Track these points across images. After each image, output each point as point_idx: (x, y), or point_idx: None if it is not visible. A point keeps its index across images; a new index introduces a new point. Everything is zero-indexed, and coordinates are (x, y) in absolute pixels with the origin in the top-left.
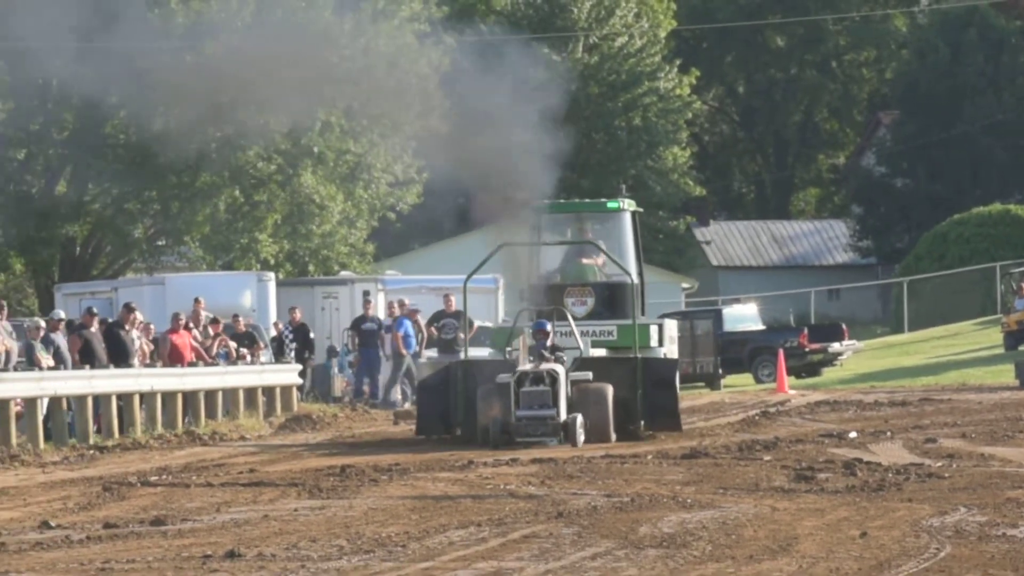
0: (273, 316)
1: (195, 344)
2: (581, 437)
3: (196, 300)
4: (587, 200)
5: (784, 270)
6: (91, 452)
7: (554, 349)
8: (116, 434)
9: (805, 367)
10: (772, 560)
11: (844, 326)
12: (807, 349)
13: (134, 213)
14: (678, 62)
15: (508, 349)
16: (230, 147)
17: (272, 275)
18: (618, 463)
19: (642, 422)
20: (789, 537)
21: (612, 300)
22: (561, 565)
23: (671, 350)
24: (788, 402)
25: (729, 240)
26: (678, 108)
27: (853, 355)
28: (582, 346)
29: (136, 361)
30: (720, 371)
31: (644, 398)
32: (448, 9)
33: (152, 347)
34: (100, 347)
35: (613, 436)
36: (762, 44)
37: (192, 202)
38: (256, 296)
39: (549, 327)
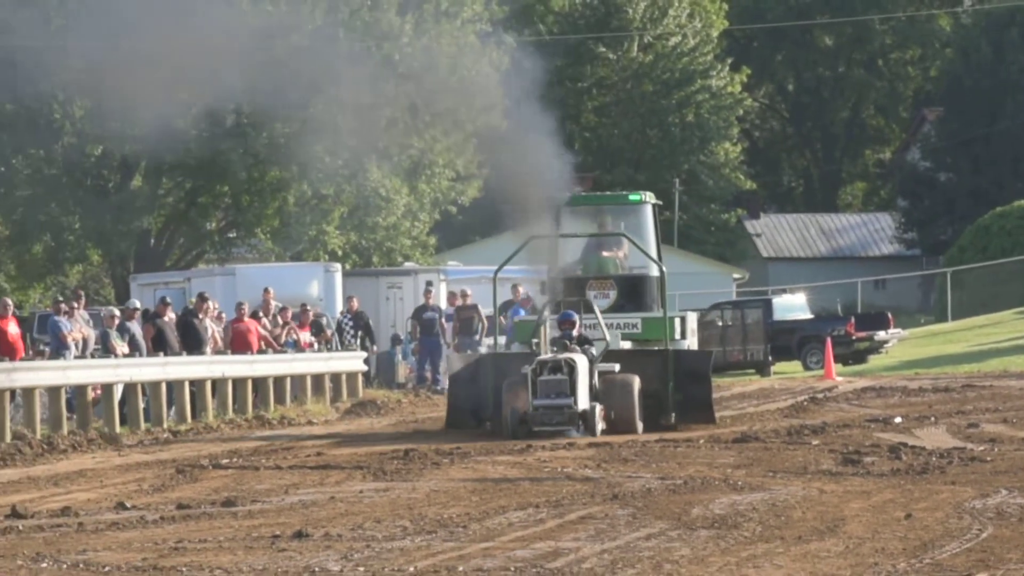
0: (339, 306)
1: (263, 332)
2: (600, 426)
3: (265, 290)
4: (608, 193)
5: (832, 261)
6: (165, 436)
7: (582, 340)
8: (189, 419)
9: (852, 355)
10: (820, 541)
11: (889, 315)
12: (854, 337)
13: (206, 206)
14: (730, 60)
15: (534, 340)
16: (299, 142)
17: (338, 266)
18: (671, 447)
19: (673, 415)
20: (836, 518)
21: (634, 293)
22: (616, 545)
23: (692, 342)
24: (835, 388)
25: (779, 232)
26: (730, 105)
27: (898, 343)
28: (609, 338)
29: (208, 349)
30: (770, 358)
31: (676, 390)
32: (508, 9)
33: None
34: (172, 335)
35: (639, 427)
36: (811, 43)
37: (262, 196)
38: (323, 286)
39: (576, 317)
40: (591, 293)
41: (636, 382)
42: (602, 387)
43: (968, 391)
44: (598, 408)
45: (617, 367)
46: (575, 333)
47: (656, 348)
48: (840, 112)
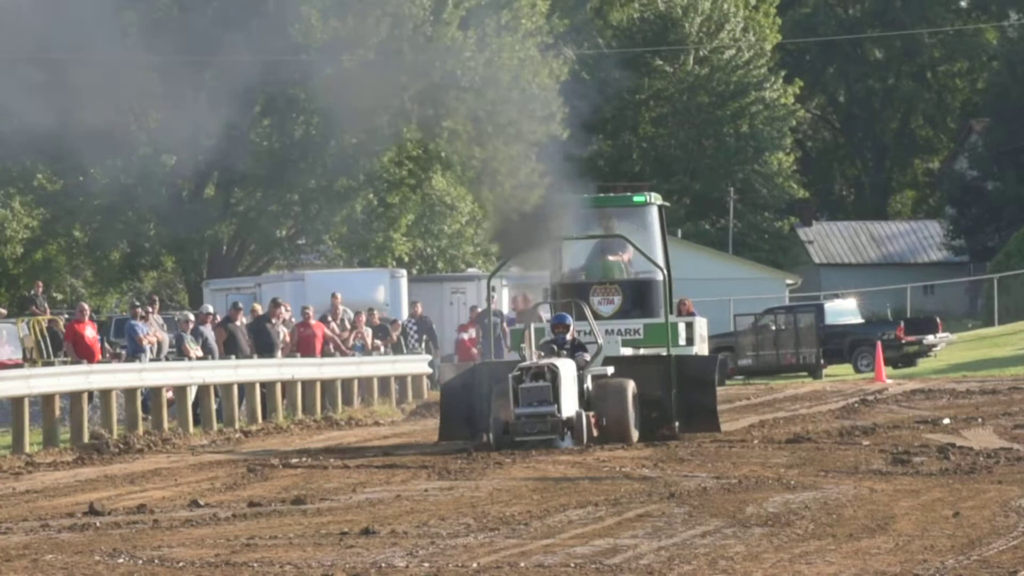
0: (405, 310)
1: (331, 335)
2: (587, 435)
3: (333, 295)
4: (612, 195)
5: (882, 267)
6: (236, 436)
7: (576, 346)
8: (259, 419)
9: (901, 358)
10: (870, 538)
11: (938, 319)
12: (903, 341)
13: (277, 214)
14: (783, 73)
15: (521, 346)
16: (366, 152)
17: (404, 272)
18: (726, 447)
19: (676, 423)
20: (886, 517)
21: (640, 298)
22: (673, 542)
23: (702, 349)
24: (885, 391)
25: (830, 239)
26: (783, 116)
27: (946, 347)
28: (601, 342)
29: (279, 352)
30: (822, 361)
31: (679, 397)
32: (568, 22)
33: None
34: (243, 339)
35: (634, 435)
36: (862, 56)
37: (330, 204)
38: (389, 291)
39: (569, 320)
40: (595, 299)
41: (631, 387)
42: (595, 393)
43: (1014, 393)
44: (585, 415)
45: (610, 371)
46: (569, 337)
47: (660, 354)
48: (890, 123)
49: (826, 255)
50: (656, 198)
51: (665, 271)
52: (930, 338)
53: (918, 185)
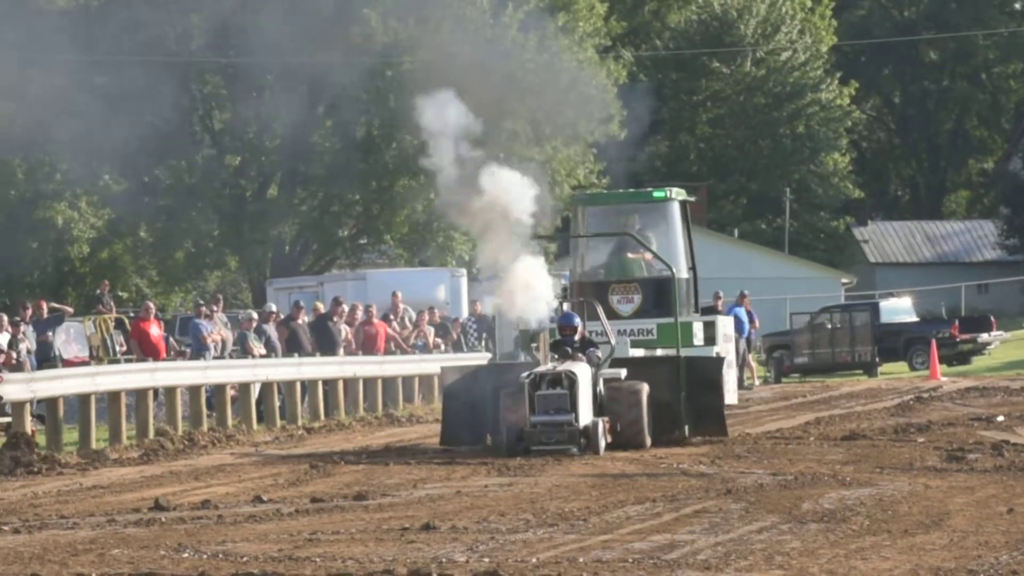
0: (465, 309)
1: (393, 333)
2: (603, 443)
3: (394, 294)
4: (631, 190)
5: (936, 266)
6: (299, 433)
7: (585, 344)
8: (322, 416)
9: (956, 356)
10: (925, 534)
11: (992, 318)
12: (958, 339)
13: (339, 215)
14: (839, 75)
15: (533, 346)
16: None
17: (464, 271)
18: (782, 444)
19: (687, 426)
20: (941, 513)
21: (661, 296)
22: (730, 538)
23: (725, 349)
24: (940, 388)
25: (885, 239)
26: (839, 117)
27: (1000, 345)
28: (614, 343)
29: (341, 350)
30: (877, 359)
31: (688, 400)
32: (626, 24)
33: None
34: (305, 337)
35: (648, 440)
36: (916, 58)
37: (392, 204)
38: (449, 290)
39: (577, 321)
40: (614, 298)
41: (645, 390)
42: (607, 396)
43: None
44: (601, 423)
45: (623, 373)
46: (577, 338)
47: (671, 355)
48: (944, 123)
49: (881, 254)
50: (678, 193)
51: (685, 269)
52: (984, 336)
53: (972, 185)
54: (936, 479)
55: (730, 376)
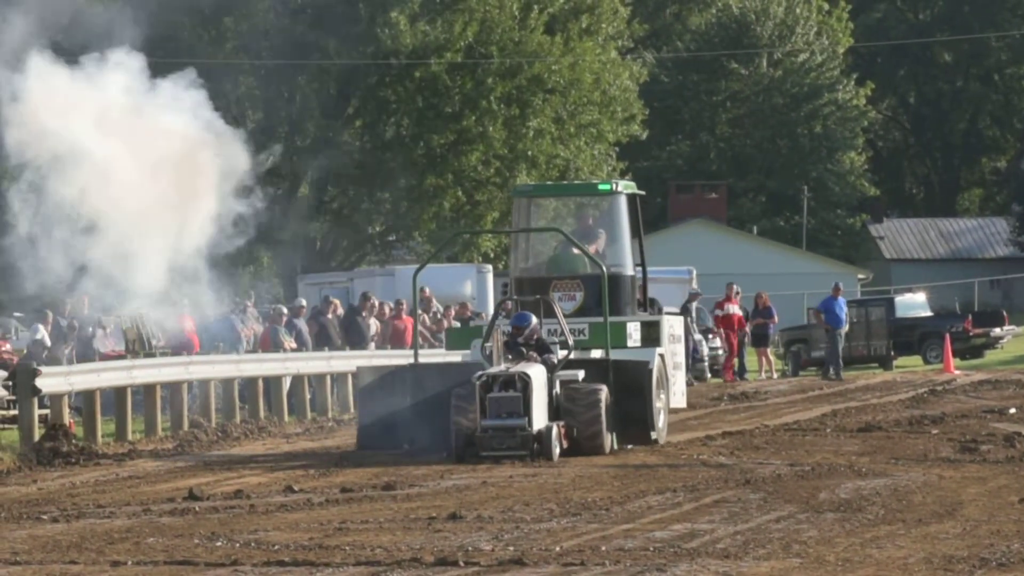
0: (491, 305)
1: (422, 328)
2: (557, 449)
3: (422, 289)
4: (576, 182)
5: (950, 262)
6: (329, 424)
7: (541, 346)
8: (351, 408)
9: (969, 350)
10: (939, 523)
11: (1005, 313)
12: (971, 333)
13: (368, 212)
14: (855, 76)
15: (486, 345)
16: (454, 152)
17: (490, 267)
18: (800, 435)
19: (613, 434)
20: (954, 503)
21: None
22: (748, 527)
23: (674, 350)
24: (954, 381)
25: (900, 235)
26: (855, 117)
27: (1013, 339)
28: (571, 343)
29: (371, 344)
30: (892, 353)
31: (616, 405)
32: (648, 27)
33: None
34: (335, 332)
35: (607, 447)
36: (931, 59)
37: (420, 202)
38: (476, 286)
39: (534, 320)
40: (555, 295)
41: (604, 393)
42: (564, 398)
43: None
44: (555, 428)
45: (581, 375)
46: (535, 339)
47: (603, 358)
48: (958, 123)
49: (896, 251)
50: (626, 186)
51: (631, 266)
52: (997, 330)
53: (985, 183)
54: (950, 470)
55: (677, 378)
